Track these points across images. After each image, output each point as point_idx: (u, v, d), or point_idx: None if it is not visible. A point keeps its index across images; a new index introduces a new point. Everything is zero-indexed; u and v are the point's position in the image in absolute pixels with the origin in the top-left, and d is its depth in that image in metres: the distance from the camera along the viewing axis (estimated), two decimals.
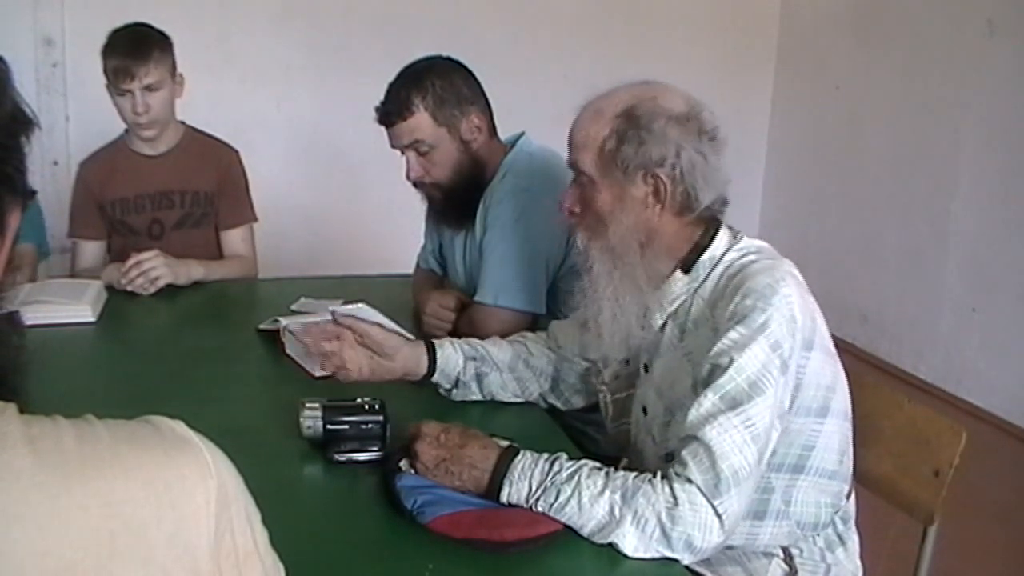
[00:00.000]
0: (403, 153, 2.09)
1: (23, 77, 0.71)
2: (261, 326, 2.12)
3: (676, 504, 1.29)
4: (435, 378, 1.77)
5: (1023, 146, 3.67)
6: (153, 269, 2.38)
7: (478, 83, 2.12)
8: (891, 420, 1.67)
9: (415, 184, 2.13)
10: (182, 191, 2.66)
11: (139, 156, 2.65)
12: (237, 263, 2.68)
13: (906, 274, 4.25)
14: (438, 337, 2.05)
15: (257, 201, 2.79)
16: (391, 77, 2.08)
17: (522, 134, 2.20)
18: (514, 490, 1.34)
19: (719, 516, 1.30)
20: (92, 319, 2.20)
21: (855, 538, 1.60)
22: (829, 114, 4.69)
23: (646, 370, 1.57)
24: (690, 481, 1.31)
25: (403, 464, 1.42)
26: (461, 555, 1.27)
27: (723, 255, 1.49)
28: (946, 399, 3.88)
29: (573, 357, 1.77)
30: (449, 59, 2.12)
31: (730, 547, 1.46)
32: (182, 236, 2.66)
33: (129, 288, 2.37)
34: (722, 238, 1.51)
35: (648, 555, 1.29)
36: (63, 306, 2.18)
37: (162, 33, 2.56)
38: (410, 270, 2.49)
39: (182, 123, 2.70)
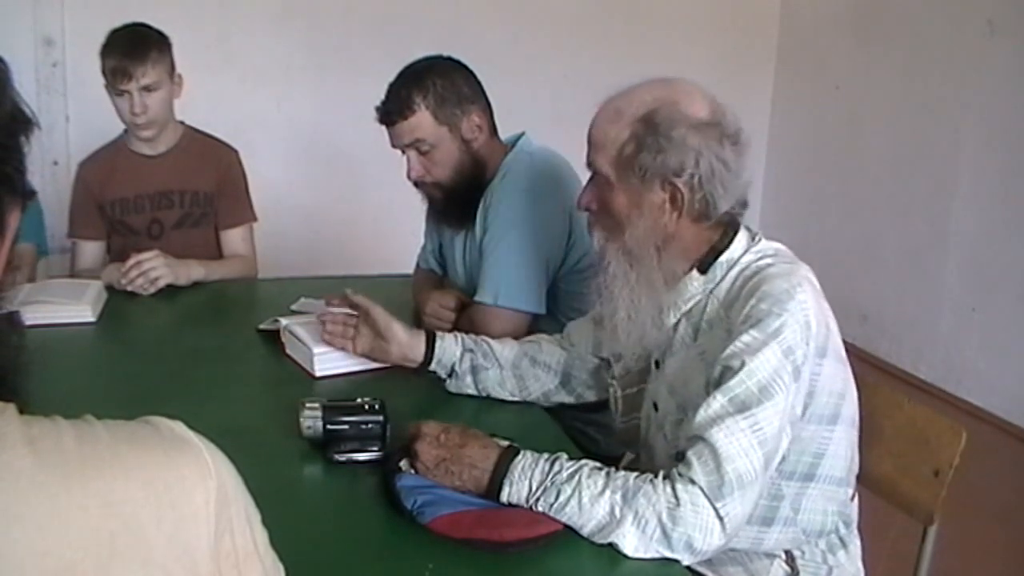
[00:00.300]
0: (404, 152, 2.09)
1: (23, 77, 0.71)
2: (261, 326, 2.12)
3: (678, 504, 1.29)
4: (432, 367, 1.79)
5: (1023, 146, 3.67)
6: (153, 269, 2.38)
7: (479, 82, 2.12)
8: (891, 420, 1.67)
9: (415, 184, 2.13)
10: (182, 191, 2.66)
11: (139, 156, 2.65)
12: (237, 263, 2.68)
13: (906, 274, 4.25)
14: None
15: (257, 201, 2.79)
16: (391, 77, 2.08)
17: (522, 134, 2.20)
18: (514, 490, 1.34)
19: (721, 519, 1.30)
20: (92, 319, 2.20)
21: (857, 541, 1.60)
22: (829, 114, 4.69)
23: (657, 367, 1.57)
24: (693, 482, 1.31)
25: (403, 464, 1.42)
26: (461, 555, 1.27)
27: (740, 257, 1.48)
28: (946, 399, 3.88)
29: (585, 354, 1.77)
30: (450, 59, 2.12)
31: (733, 549, 1.46)
32: (182, 236, 2.66)
33: (129, 288, 2.37)
34: (740, 240, 1.50)
35: (648, 555, 1.29)
36: (63, 306, 2.18)
37: (160, 33, 2.56)
38: (410, 270, 2.49)
39: (181, 123, 2.70)
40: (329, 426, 1.53)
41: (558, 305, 2.09)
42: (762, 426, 1.33)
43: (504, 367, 1.79)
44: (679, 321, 1.52)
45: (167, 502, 0.70)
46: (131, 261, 2.39)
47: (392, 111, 2.04)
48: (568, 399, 1.82)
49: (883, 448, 1.66)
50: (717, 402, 1.34)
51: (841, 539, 1.56)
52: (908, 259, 4.24)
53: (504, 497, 1.35)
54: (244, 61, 4.16)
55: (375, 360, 1.86)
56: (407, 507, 1.33)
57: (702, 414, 1.35)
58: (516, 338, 1.88)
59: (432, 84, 2.04)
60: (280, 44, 4.21)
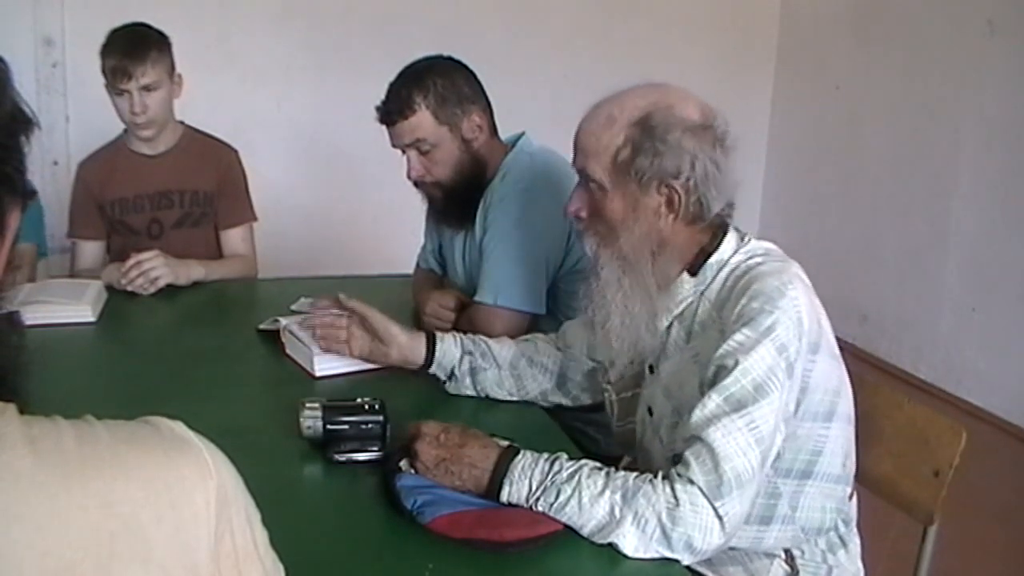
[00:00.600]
0: (404, 152, 2.09)
1: (23, 77, 0.71)
2: (261, 326, 2.12)
3: (677, 505, 1.29)
4: (431, 369, 1.79)
5: (1023, 146, 3.67)
6: (153, 269, 2.38)
7: (479, 82, 2.12)
8: (891, 420, 1.67)
9: (416, 183, 2.13)
10: (181, 191, 2.66)
11: (138, 156, 2.65)
12: (237, 263, 2.68)
13: (906, 274, 4.25)
14: None
15: (257, 201, 2.79)
16: (391, 77, 2.08)
17: (522, 134, 2.20)
18: (514, 490, 1.34)
19: (720, 518, 1.30)
20: (92, 319, 2.20)
21: (856, 540, 1.60)
22: (829, 114, 4.69)
23: (651, 371, 1.57)
24: (692, 482, 1.31)
25: (403, 464, 1.42)
26: (461, 555, 1.27)
27: (730, 258, 1.49)
28: (946, 399, 3.88)
29: (580, 356, 1.77)
30: (450, 58, 2.12)
31: (732, 548, 1.46)
32: (182, 236, 2.65)
33: (129, 288, 2.37)
34: (730, 241, 1.50)
35: (648, 555, 1.29)
36: (63, 306, 2.18)
37: (160, 33, 2.56)
38: (410, 270, 2.49)
39: (181, 123, 2.70)
40: (329, 426, 1.53)
41: (558, 305, 2.09)
42: (758, 424, 1.33)
43: (502, 367, 1.79)
44: (671, 324, 1.52)
45: (167, 502, 0.70)
46: (131, 261, 2.39)
47: (393, 111, 2.04)
48: (564, 401, 1.82)
49: (883, 448, 1.66)
50: (713, 402, 1.34)
51: (841, 538, 1.56)
52: (908, 259, 4.24)
53: (504, 497, 1.35)
54: (244, 61, 4.16)
55: (374, 362, 1.86)
56: (407, 507, 1.33)
57: (698, 414, 1.35)
58: (515, 338, 1.88)
59: (433, 84, 2.04)
60: (280, 44, 4.21)
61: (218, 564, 0.73)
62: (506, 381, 1.80)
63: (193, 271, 2.48)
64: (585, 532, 1.31)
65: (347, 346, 1.84)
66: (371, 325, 1.81)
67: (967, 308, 3.94)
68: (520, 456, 1.37)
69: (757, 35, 4.95)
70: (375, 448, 1.51)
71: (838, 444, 1.50)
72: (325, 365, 1.88)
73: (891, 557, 1.81)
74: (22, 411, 0.69)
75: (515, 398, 1.81)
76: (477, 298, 2.06)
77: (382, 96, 2.07)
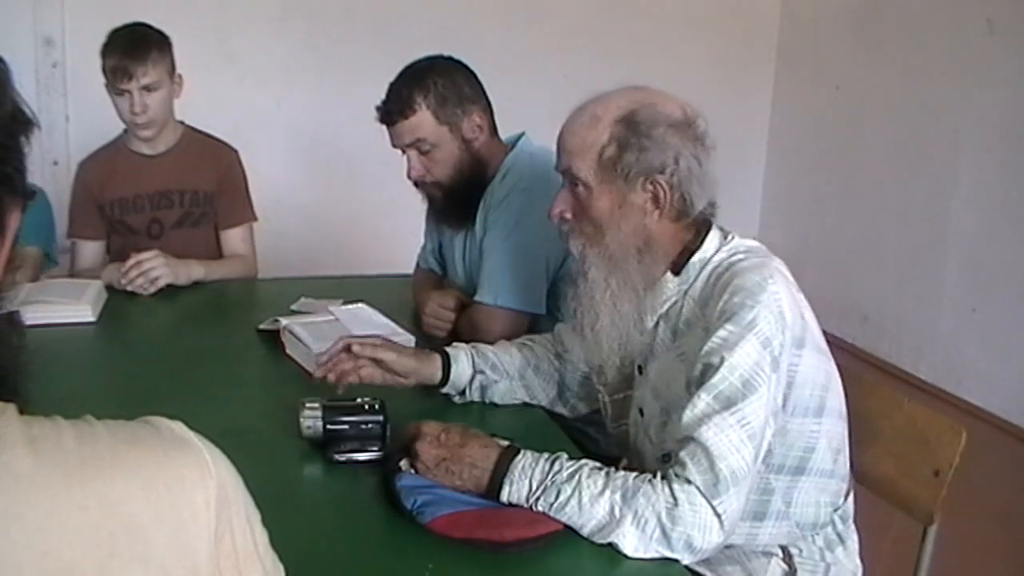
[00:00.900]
0: (404, 152, 2.09)
1: (23, 77, 0.71)
2: (261, 326, 2.12)
3: (676, 504, 1.29)
4: (444, 389, 1.77)
5: (1023, 146, 3.67)
6: (153, 269, 2.38)
7: (479, 82, 2.12)
8: (891, 420, 1.67)
9: (416, 183, 2.13)
10: (181, 191, 2.66)
11: (138, 156, 2.65)
12: (237, 263, 2.68)
13: (906, 274, 4.25)
14: (438, 338, 2.05)
15: (257, 201, 2.79)
16: (391, 77, 2.08)
17: (522, 134, 2.20)
18: (514, 489, 1.34)
19: (718, 516, 1.30)
20: (92, 319, 2.20)
21: (854, 537, 1.60)
22: (829, 114, 4.69)
23: (640, 372, 1.58)
24: (689, 482, 1.31)
25: (403, 464, 1.42)
26: (461, 555, 1.27)
27: (713, 255, 1.50)
28: (946, 399, 3.88)
29: (577, 361, 1.77)
30: (450, 58, 2.12)
31: (729, 546, 1.46)
32: (181, 236, 2.65)
33: (129, 288, 2.37)
34: (712, 239, 1.51)
35: (648, 555, 1.29)
36: (63, 306, 2.18)
37: (161, 33, 2.56)
38: (410, 270, 2.49)
39: (181, 123, 2.70)
40: (329, 426, 1.53)
41: (558, 305, 2.09)
42: (749, 420, 1.33)
43: (513, 378, 1.79)
44: (657, 324, 1.53)
45: (167, 502, 0.70)
46: (131, 261, 2.39)
47: (393, 111, 2.04)
48: (563, 411, 1.82)
49: (883, 448, 1.66)
50: (702, 401, 1.35)
51: (839, 535, 1.56)
52: (908, 259, 4.24)
53: (504, 497, 1.35)
54: (244, 61, 4.16)
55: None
56: (407, 507, 1.33)
57: (689, 414, 1.35)
58: (512, 340, 1.88)
59: (433, 84, 2.04)
60: (280, 44, 4.21)
61: (218, 564, 0.73)
62: (518, 391, 1.79)
63: (193, 271, 2.48)
64: (585, 532, 1.31)
65: (356, 375, 1.71)
66: (388, 367, 1.71)
67: (967, 308, 3.94)
68: (520, 456, 1.37)
69: (757, 35, 4.95)
70: (375, 448, 1.51)
71: (830, 440, 1.50)
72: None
73: (891, 557, 1.81)
74: (22, 411, 0.69)
75: (524, 402, 1.81)
76: (477, 298, 2.06)
77: (382, 96, 2.07)
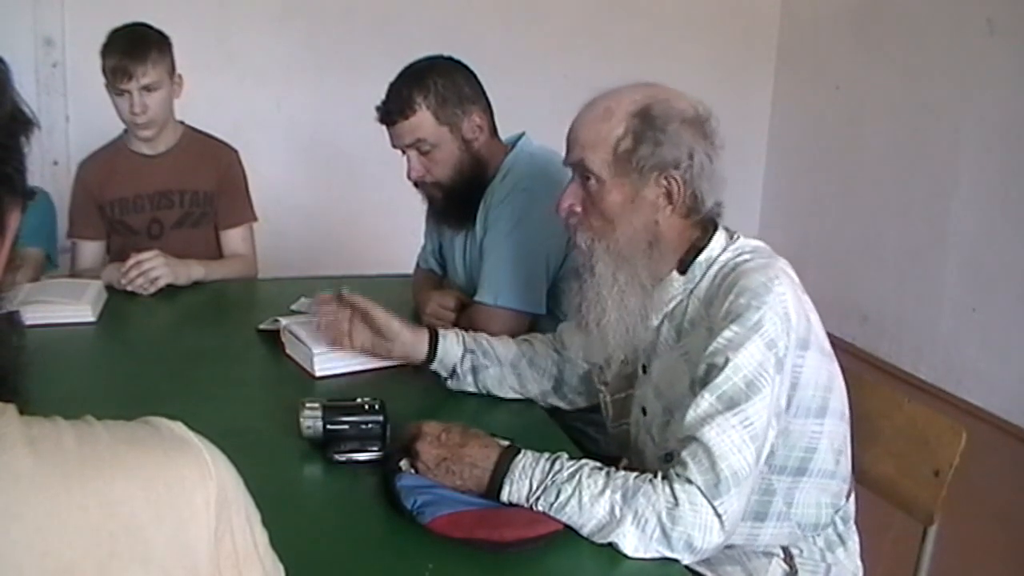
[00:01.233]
0: (404, 152, 2.09)
1: (23, 77, 0.71)
2: (261, 326, 2.12)
3: (676, 504, 1.29)
4: (433, 366, 1.78)
5: (1023, 146, 3.67)
6: (153, 269, 2.38)
7: (479, 82, 2.12)
8: (891, 420, 1.67)
9: (416, 184, 2.13)
10: (181, 191, 2.66)
11: (138, 156, 2.65)
12: (237, 263, 2.68)
13: (906, 274, 4.25)
14: None
15: (257, 201, 2.79)
16: (391, 77, 2.08)
17: (522, 134, 2.20)
18: (515, 489, 1.34)
19: (719, 516, 1.30)
20: (92, 319, 2.20)
21: (855, 538, 1.60)
22: (829, 114, 4.70)
23: (644, 371, 1.58)
24: (690, 482, 1.31)
25: (403, 464, 1.42)
26: (461, 555, 1.27)
27: (718, 256, 1.50)
28: (946, 399, 3.88)
29: (576, 358, 1.77)
30: (450, 58, 2.12)
31: (730, 546, 1.46)
32: (181, 236, 2.66)
33: (129, 288, 2.37)
34: (718, 239, 1.51)
35: (648, 555, 1.29)
36: (63, 306, 2.18)
37: (161, 33, 2.56)
38: (410, 270, 2.49)
39: (181, 123, 2.70)
40: (329, 426, 1.53)
41: (558, 305, 2.09)
42: (752, 421, 1.33)
43: (504, 365, 1.79)
44: (661, 323, 1.53)
45: (167, 503, 0.70)
46: (131, 261, 2.39)
47: (393, 111, 2.04)
48: (560, 404, 1.82)
49: (883, 448, 1.66)
50: (706, 400, 1.35)
51: (839, 536, 1.56)
52: (908, 259, 4.24)
53: (504, 496, 1.35)
54: (244, 61, 4.16)
55: (376, 357, 1.86)
56: (407, 507, 1.33)
57: (692, 414, 1.35)
58: (514, 338, 1.88)
59: (433, 84, 2.04)
60: (280, 44, 4.21)
61: (218, 564, 0.73)
62: (508, 379, 1.80)
63: (193, 271, 2.48)
64: (585, 532, 1.31)
65: (348, 339, 1.82)
66: (373, 321, 1.79)
67: (967, 308, 3.94)
68: (521, 456, 1.37)
69: (757, 35, 4.95)
70: (375, 448, 1.51)
71: (831, 441, 1.50)
72: (325, 365, 1.88)
73: (891, 557, 1.81)
74: (22, 411, 0.69)
75: (517, 395, 1.81)
76: (477, 298, 2.06)
77: (382, 96, 2.07)
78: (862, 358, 4.29)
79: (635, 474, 1.34)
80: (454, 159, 2.08)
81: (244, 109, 4.08)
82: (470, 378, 1.79)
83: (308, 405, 1.55)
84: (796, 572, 1.52)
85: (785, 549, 1.52)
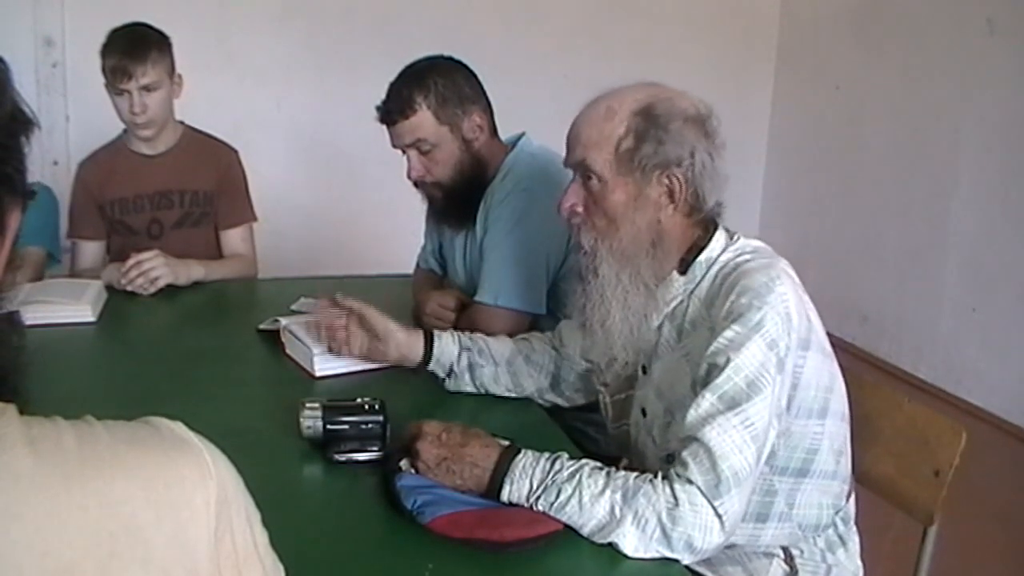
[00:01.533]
0: (404, 152, 2.09)
1: (23, 77, 0.71)
2: (261, 326, 2.12)
3: (677, 504, 1.29)
4: (430, 367, 1.79)
5: (1023, 146, 3.67)
6: (153, 269, 2.38)
7: (479, 82, 2.12)
8: (891, 420, 1.67)
9: (416, 184, 2.13)
10: (181, 191, 2.66)
11: (138, 156, 2.65)
12: (237, 263, 2.68)
13: (906, 274, 4.25)
14: None
15: (257, 201, 2.79)
16: (391, 77, 2.08)
17: (523, 134, 2.20)
18: (515, 489, 1.34)
19: (719, 517, 1.30)
20: (92, 319, 2.20)
21: (856, 538, 1.60)
22: (829, 114, 4.70)
23: (644, 372, 1.58)
24: (691, 482, 1.31)
25: (403, 464, 1.42)
26: (461, 555, 1.26)
27: (719, 256, 1.50)
28: (946, 399, 3.88)
29: (575, 357, 1.77)
30: (451, 58, 2.12)
31: (731, 547, 1.46)
32: (181, 236, 2.66)
33: (129, 288, 2.37)
34: (719, 239, 1.51)
35: (648, 555, 1.29)
36: (63, 306, 2.18)
37: (161, 33, 2.56)
38: (410, 270, 2.49)
39: (181, 123, 2.70)
40: (329, 426, 1.53)
41: (558, 305, 2.09)
42: (753, 421, 1.33)
43: (499, 364, 1.80)
44: (662, 324, 1.53)
45: (167, 503, 0.70)
46: (131, 261, 2.39)
47: (393, 110, 2.04)
48: (559, 400, 1.83)
49: (883, 448, 1.66)
50: (707, 400, 1.35)
51: (840, 536, 1.56)
52: (908, 259, 4.24)
53: (505, 496, 1.35)
54: (244, 61, 4.16)
55: (374, 360, 1.86)
56: (407, 507, 1.33)
57: (693, 414, 1.35)
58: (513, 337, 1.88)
59: (433, 84, 2.04)
60: (280, 44, 4.21)
61: (218, 564, 0.73)
62: (503, 377, 1.80)
63: (193, 271, 2.48)
64: (585, 532, 1.31)
65: (347, 346, 1.83)
66: (369, 323, 1.80)
67: (967, 308, 3.94)
68: (521, 455, 1.37)
69: (757, 35, 4.95)
70: (375, 448, 1.51)
71: (832, 441, 1.50)
72: (325, 365, 1.88)
73: (891, 557, 1.81)
74: (22, 411, 0.69)
75: (512, 395, 1.81)
76: (477, 298, 2.06)
77: (382, 96, 2.07)
78: (862, 358, 4.29)
79: (635, 474, 1.34)
80: (454, 159, 2.08)
81: (244, 109, 4.08)
82: (467, 376, 1.79)
83: (308, 405, 1.55)
84: (796, 572, 1.52)
85: (785, 550, 1.52)
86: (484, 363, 1.79)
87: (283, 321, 2.03)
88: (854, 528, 1.60)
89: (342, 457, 1.51)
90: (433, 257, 2.40)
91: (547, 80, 4.38)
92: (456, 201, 2.13)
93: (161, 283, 2.39)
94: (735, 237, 1.53)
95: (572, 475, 1.33)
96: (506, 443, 1.41)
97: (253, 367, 2.02)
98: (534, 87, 4.28)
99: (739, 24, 4.86)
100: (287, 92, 4.27)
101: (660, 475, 1.34)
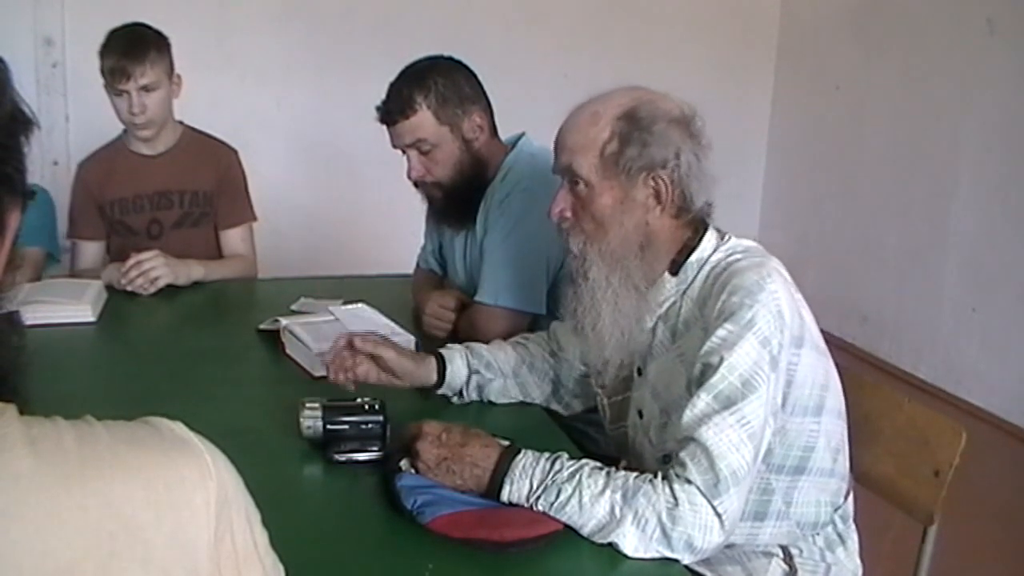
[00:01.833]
0: (404, 152, 2.09)
1: (23, 77, 0.71)
2: (261, 326, 2.12)
3: (676, 504, 1.30)
4: (440, 391, 1.77)
5: (1023, 146, 3.67)
6: (153, 269, 2.38)
7: (479, 82, 2.12)
8: (891, 420, 1.67)
9: (416, 184, 2.13)
10: (181, 191, 2.66)
11: (138, 156, 2.65)
12: (237, 263, 2.68)
13: (906, 274, 4.25)
14: (438, 338, 2.05)
15: (257, 201, 2.79)
16: (391, 77, 2.08)
17: (523, 134, 2.20)
18: (515, 489, 1.34)
19: (719, 516, 1.30)
20: (92, 319, 2.20)
21: (855, 537, 1.60)
22: (829, 114, 4.69)
23: (639, 373, 1.58)
24: (689, 482, 1.31)
25: (403, 464, 1.42)
26: (461, 555, 1.27)
27: (710, 256, 1.50)
28: (946, 399, 3.87)
29: (573, 360, 1.77)
30: (451, 58, 2.12)
31: (730, 546, 1.46)
32: (181, 236, 2.65)
33: (129, 288, 2.37)
34: (710, 239, 1.52)
35: (648, 555, 1.29)
36: (63, 306, 2.18)
37: (159, 33, 2.56)
38: (410, 270, 2.49)
39: (181, 123, 2.70)
40: (329, 426, 1.53)
41: (558, 305, 2.09)
42: (749, 420, 1.34)
43: (507, 376, 1.79)
44: (656, 325, 1.53)
45: (167, 503, 0.70)
46: (131, 261, 2.39)
47: (393, 110, 2.04)
48: (558, 408, 1.82)
49: (883, 448, 1.66)
50: (702, 400, 1.35)
51: (839, 535, 1.56)
52: (908, 259, 4.24)
53: (505, 496, 1.35)
54: (244, 61, 4.16)
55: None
56: (407, 507, 1.33)
57: (689, 414, 1.35)
58: (508, 339, 1.88)
59: (434, 84, 2.04)
60: (280, 44, 4.21)
61: (218, 564, 0.73)
62: (511, 389, 1.80)
63: (193, 271, 2.48)
64: (585, 532, 1.31)
65: (353, 373, 1.72)
66: (385, 365, 1.71)
67: (967, 308, 3.94)
68: (521, 455, 1.37)
69: (757, 35, 4.95)
70: (375, 448, 1.51)
71: (829, 439, 1.50)
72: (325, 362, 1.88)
73: (891, 557, 1.81)
74: (22, 411, 0.69)
75: (519, 401, 1.81)
76: (477, 298, 2.06)
77: (382, 96, 2.07)
78: (862, 358, 4.29)
79: (635, 474, 1.34)
80: (454, 159, 2.08)
81: (244, 109, 4.08)
82: (475, 395, 1.79)
83: (308, 405, 1.55)
84: (795, 571, 1.52)
85: (784, 549, 1.52)
86: (492, 377, 1.78)
87: (283, 321, 2.03)
88: (853, 526, 1.60)
89: (342, 457, 1.51)
90: (433, 257, 2.40)
91: (547, 80, 4.37)
92: (456, 201, 2.13)
93: (161, 283, 2.39)
94: (726, 237, 1.53)
95: (572, 475, 1.33)
96: (506, 443, 1.41)
97: (253, 367, 2.02)
98: (534, 87, 4.28)
99: (739, 24, 4.86)
100: (287, 92, 4.27)
101: (660, 475, 1.34)
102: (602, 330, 1.53)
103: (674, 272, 1.51)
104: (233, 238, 2.72)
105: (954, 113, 3.96)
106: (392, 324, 2.04)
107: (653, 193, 1.48)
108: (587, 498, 1.31)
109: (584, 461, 1.36)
